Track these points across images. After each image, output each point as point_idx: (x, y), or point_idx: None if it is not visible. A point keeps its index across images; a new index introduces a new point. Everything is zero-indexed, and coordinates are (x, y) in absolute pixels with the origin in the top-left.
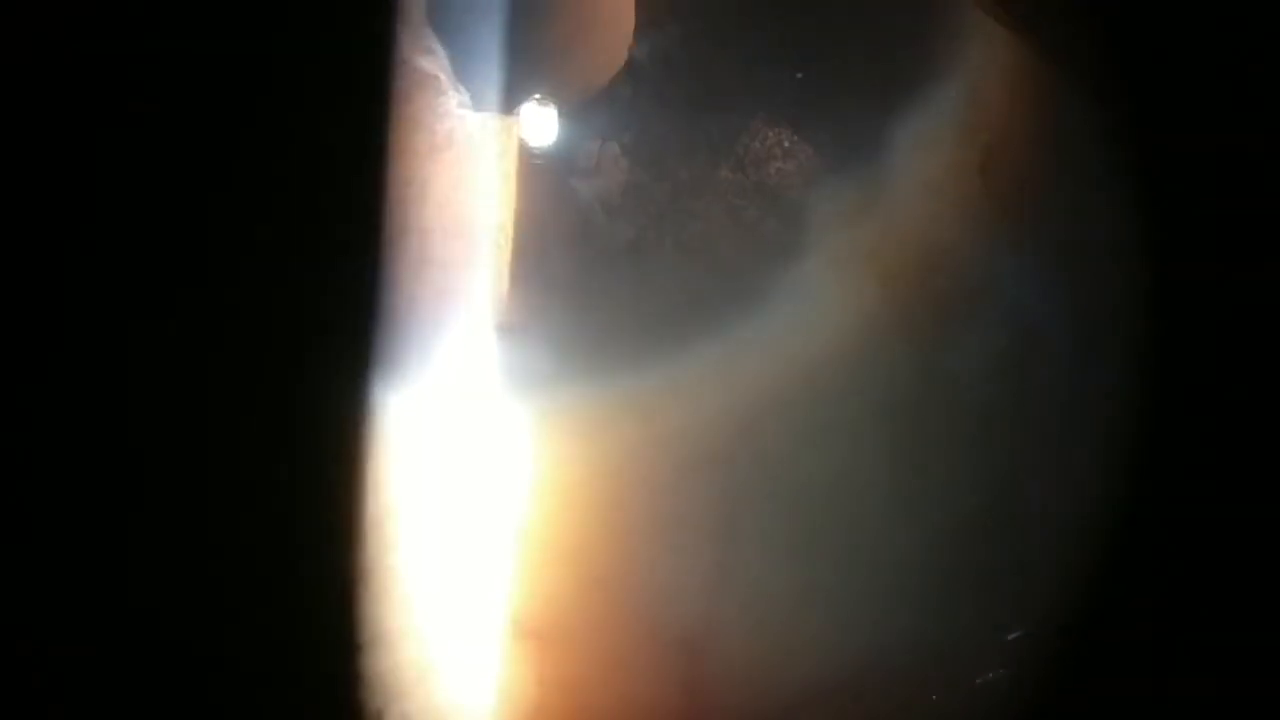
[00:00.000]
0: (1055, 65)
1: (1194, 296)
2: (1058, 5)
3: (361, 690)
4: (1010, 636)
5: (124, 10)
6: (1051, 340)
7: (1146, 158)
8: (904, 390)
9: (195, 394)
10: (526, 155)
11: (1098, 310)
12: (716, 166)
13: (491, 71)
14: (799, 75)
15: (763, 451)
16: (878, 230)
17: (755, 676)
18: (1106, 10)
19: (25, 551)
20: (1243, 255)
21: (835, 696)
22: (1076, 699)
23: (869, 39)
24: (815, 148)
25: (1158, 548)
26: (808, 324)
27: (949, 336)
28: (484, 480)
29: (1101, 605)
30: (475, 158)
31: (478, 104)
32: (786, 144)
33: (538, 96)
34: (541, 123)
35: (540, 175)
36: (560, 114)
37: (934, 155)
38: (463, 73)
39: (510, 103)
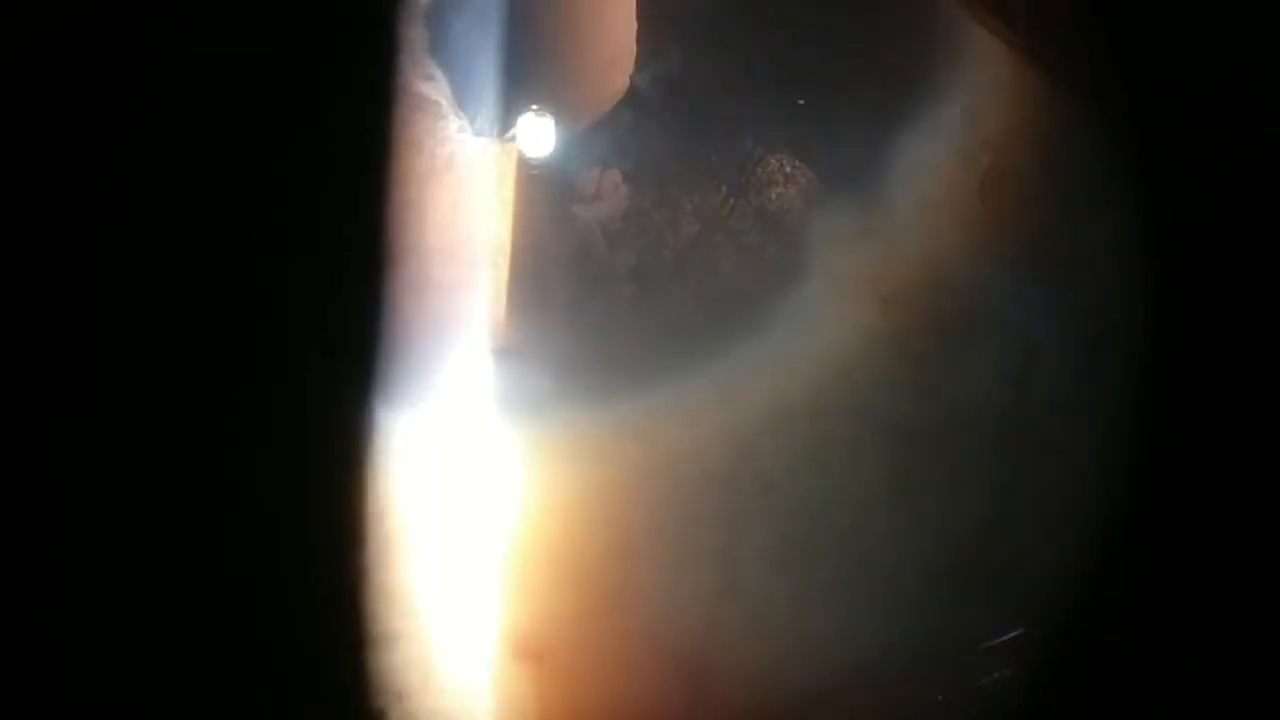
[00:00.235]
0: (1056, 82)
1: (1196, 310)
2: (1057, 17)
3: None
4: (1010, 638)
5: (127, 40)
6: (1052, 357)
7: (1148, 172)
8: (905, 409)
9: (197, 409)
10: (526, 179)
11: (1099, 326)
12: (718, 191)
13: (492, 97)
14: (800, 100)
15: (763, 472)
16: (878, 252)
17: (756, 695)
18: (1107, 23)
19: (34, 552)
20: (1246, 268)
21: (836, 712)
22: (1077, 700)
23: (869, 63)
24: (816, 171)
25: (1159, 558)
26: (808, 345)
27: (949, 356)
28: (484, 502)
29: (1102, 612)
30: (475, 182)
31: (477, 129)
32: (787, 168)
33: (535, 107)
34: (539, 134)
35: (540, 200)
36: (561, 139)
37: (934, 176)
38: (463, 98)
39: (510, 128)
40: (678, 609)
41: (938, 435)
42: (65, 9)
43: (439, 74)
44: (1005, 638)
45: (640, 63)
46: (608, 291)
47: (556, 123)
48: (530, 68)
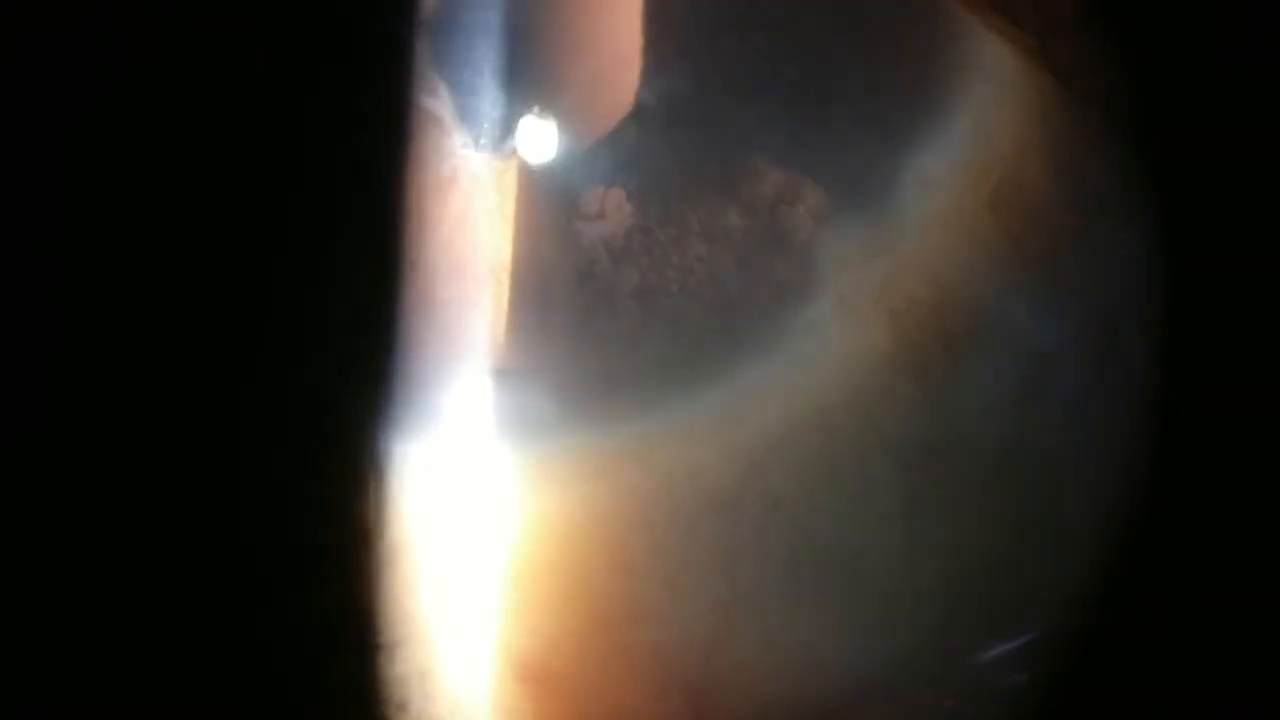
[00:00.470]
0: (1065, 89)
1: (1206, 321)
2: (1065, 21)
3: None
4: (1015, 653)
5: (133, 52)
6: (1061, 372)
7: (1158, 180)
8: (913, 427)
9: (199, 423)
10: (530, 195)
11: (1109, 342)
12: (724, 209)
13: (496, 112)
14: (807, 117)
15: (770, 491)
16: (887, 269)
17: (760, 715)
18: (1116, 26)
19: (38, 559)
20: (1258, 284)
21: None
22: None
23: (878, 78)
24: (823, 188)
25: (1168, 569)
26: (817, 364)
27: (959, 373)
28: (486, 523)
29: (1110, 624)
30: (479, 198)
31: (481, 144)
32: (795, 185)
33: (539, 123)
34: (543, 150)
35: (544, 217)
36: (566, 156)
37: (944, 193)
38: (467, 113)
39: (514, 144)
40: (681, 629)
41: (946, 452)
42: (76, 16)
43: (443, 89)
44: (1011, 652)
45: (646, 79)
46: (612, 311)
47: (561, 139)
48: (535, 83)
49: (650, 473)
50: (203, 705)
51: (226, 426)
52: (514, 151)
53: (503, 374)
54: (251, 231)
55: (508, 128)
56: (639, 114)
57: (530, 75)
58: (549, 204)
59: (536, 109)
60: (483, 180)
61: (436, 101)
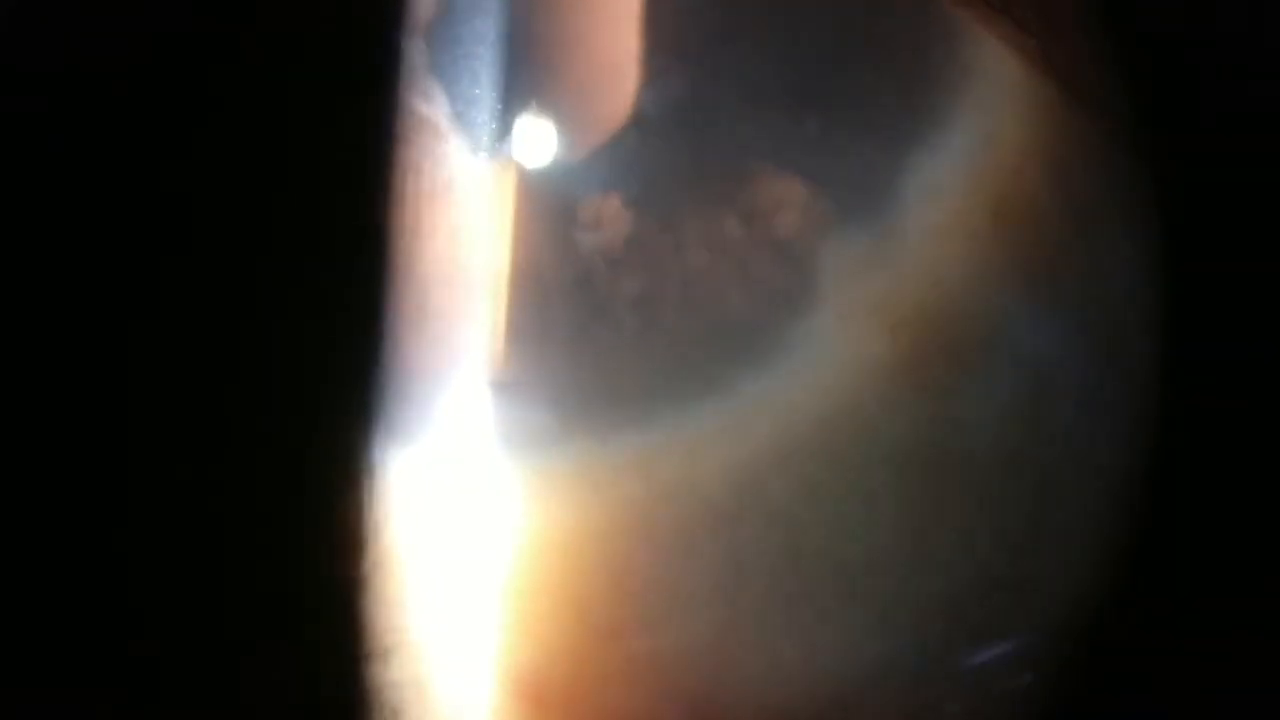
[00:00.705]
0: (1069, 94)
1: (1213, 336)
2: (1068, 23)
3: None
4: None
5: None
6: (1065, 383)
7: (1166, 196)
8: (915, 440)
9: (191, 434)
10: (526, 203)
11: (1114, 354)
12: (724, 217)
13: (492, 117)
14: (808, 124)
15: (770, 505)
16: (889, 280)
17: None
18: (1120, 29)
19: (34, 566)
20: (1265, 295)
21: None
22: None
23: (880, 85)
24: (825, 197)
25: (1171, 581)
26: (817, 376)
27: (961, 385)
28: (483, 537)
29: (1114, 639)
30: (474, 206)
31: (477, 150)
32: (795, 194)
33: (536, 129)
34: (540, 157)
35: (540, 225)
36: (563, 163)
37: (946, 202)
38: (464, 119)
39: (510, 150)
40: (681, 641)
41: (948, 463)
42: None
43: (440, 94)
44: (1011, 654)
45: (645, 85)
46: (610, 321)
47: (558, 145)
48: (532, 89)
49: (649, 484)
50: (196, 712)
51: (216, 437)
52: (510, 158)
53: (499, 385)
54: (242, 238)
55: (504, 134)
56: (637, 120)
57: (527, 81)
58: (546, 211)
59: (533, 115)
60: (479, 187)
61: (432, 107)
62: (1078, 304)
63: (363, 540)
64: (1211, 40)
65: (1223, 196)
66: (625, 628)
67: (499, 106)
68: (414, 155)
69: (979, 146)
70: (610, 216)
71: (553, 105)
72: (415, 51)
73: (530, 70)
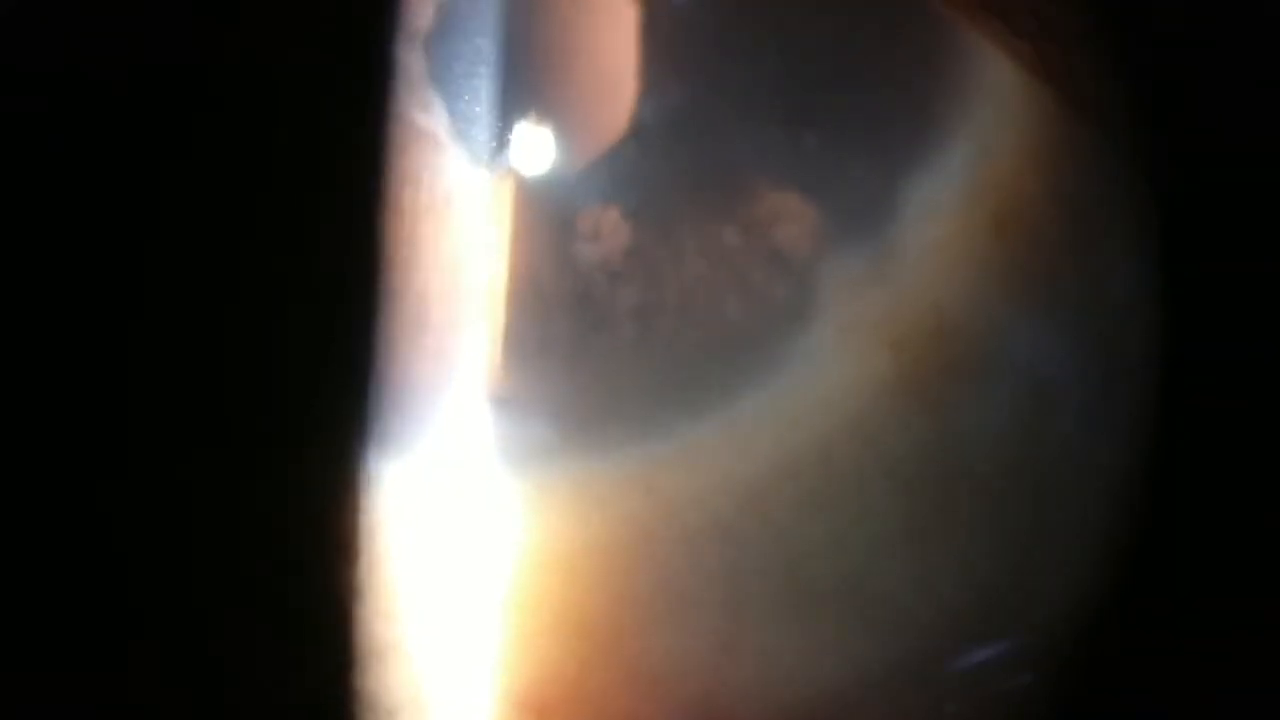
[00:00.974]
0: (1069, 111)
1: (1213, 336)
2: (1064, 30)
3: None
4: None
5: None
6: (1066, 395)
7: (1164, 198)
8: (915, 454)
9: (189, 449)
10: (524, 215)
11: (1114, 360)
12: (723, 230)
13: (491, 128)
14: (808, 138)
15: (771, 520)
16: (888, 294)
17: None
18: (1116, 34)
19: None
20: (1265, 295)
21: None
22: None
23: (879, 99)
24: (824, 211)
25: (1170, 579)
26: (817, 390)
27: (961, 399)
28: (484, 553)
29: (1112, 630)
30: (473, 218)
31: (476, 162)
32: (795, 207)
33: (535, 141)
34: (539, 168)
35: (539, 237)
36: (562, 174)
37: (946, 217)
38: (463, 130)
39: (509, 161)
40: (682, 656)
41: (948, 477)
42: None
43: (439, 105)
44: (1012, 655)
45: (644, 96)
46: (608, 334)
47: (557, 157)
48: (531, 100)
49: (650, 499)
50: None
51: (212, 446)
52: (509, 169)
53: (498, 399)
54: (239, 247)
55: (503, 145)
56: (636, 132)
57: (526, 92)
58: (545, 223)
59: (532, 126)
60: (478, 198)
61: (431, 119)
62: (1077, 313)
63: (359, 554)
64: (1212, 41)
65: (1222, 197)
66: (626, 642)
67: (498, 118)
68: (412, 167)
69: (978, 159)
70: (609, 228)
71: (552, 116)
72: (414, 62)
73: (529, 82)
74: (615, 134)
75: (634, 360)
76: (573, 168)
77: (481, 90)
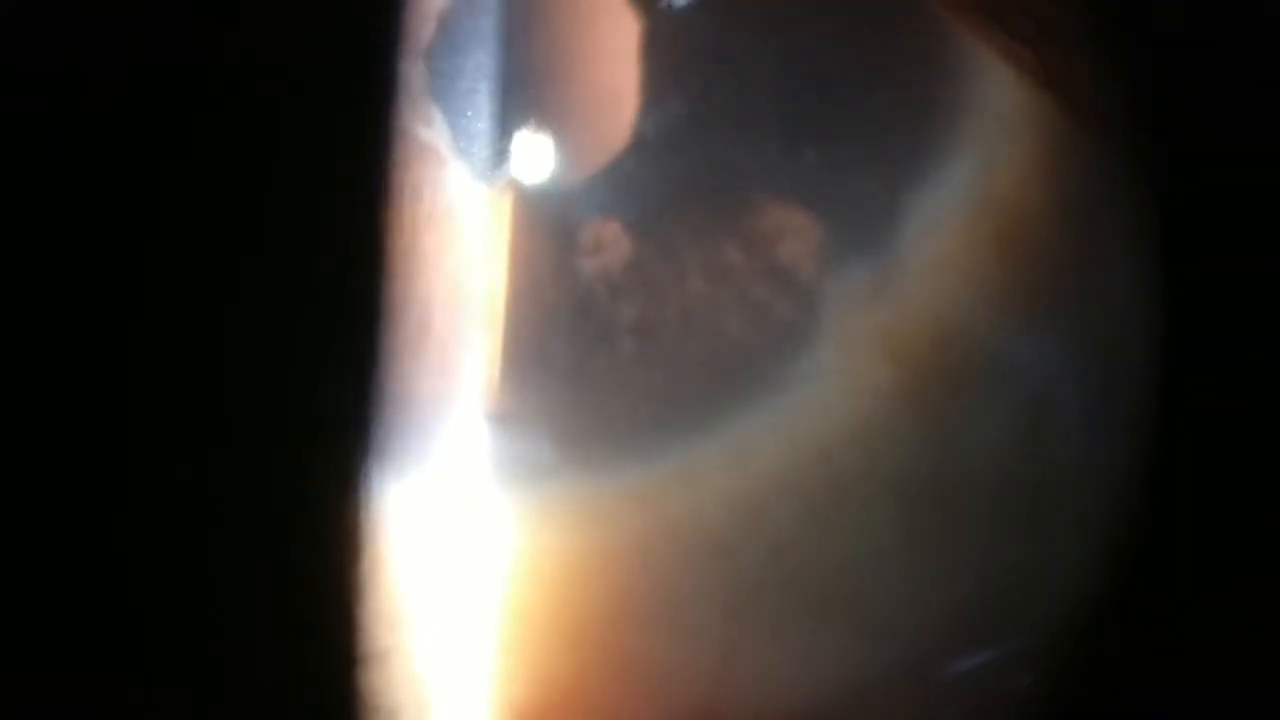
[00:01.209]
0: (1069, 120)
1: (1213, 336)
2: (1068, 37)
3: None
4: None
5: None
6: (1067, 403)
7: (1165, 199)
8: (917, 466)
9: (188, 459)
10: (525, 229)
11: (1114, 365)
12: (724, 245)
13: (492, 142)
14: (809, 152)
15: (773, 536)
16: (891, 309)
17: None
18: (1116, 40)
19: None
20: (1265, 295)
21: None
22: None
23: (881, 114)
24: (826, 225)
25: (1170, 579)
26: (819, 405)
27: (964, 414)
28: (484, 570)
29: (1112, 630)
30: (473, 229)
31: (477, 176)
32: (796, 222)
33: (536, 154)
34: (539, 182)
35: (539, 251)
36: (562, 188)
37: (949, 231)
38: (463, 143)
39: (510, 175)
40: (683, 672)
41: (950, 491)
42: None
43: (439, 119)
44: (1012, 656)
45: (644, 110)
46: (609, 349)
47: (557, 170)
48: (532, 114)
49: (651, 515)
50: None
51: (211, 457)
52: (509, 182)
53: (497, 416)
54: (238, 260)
55: (503, 158)
56: (637, 145)
57: (526, 105)
58: (546, 236)
59: (532, 139)
60: (478, 212)
61: (432, 132)
62: (1077, 318)
63: (360, 556)
64: (1211, 42)
65: (1223, 197)
66: (625, 654)
67: (498, 131)
68: (413, 180)
69: (980, 171)
70: (609, 241)
71: (552, 129)
72: (414, 76)
73: (530, 95)
74: (616, 147)
75: (634, 376)
76: (573, 181)
77: (482, 104)
